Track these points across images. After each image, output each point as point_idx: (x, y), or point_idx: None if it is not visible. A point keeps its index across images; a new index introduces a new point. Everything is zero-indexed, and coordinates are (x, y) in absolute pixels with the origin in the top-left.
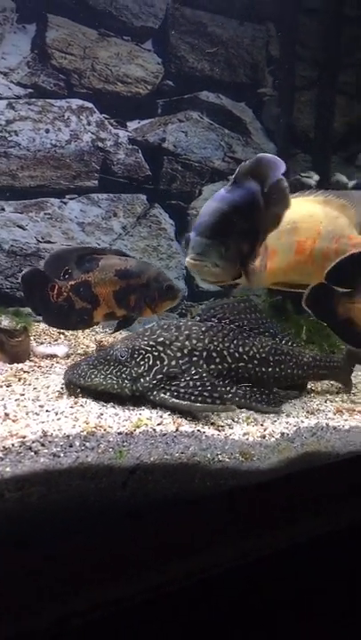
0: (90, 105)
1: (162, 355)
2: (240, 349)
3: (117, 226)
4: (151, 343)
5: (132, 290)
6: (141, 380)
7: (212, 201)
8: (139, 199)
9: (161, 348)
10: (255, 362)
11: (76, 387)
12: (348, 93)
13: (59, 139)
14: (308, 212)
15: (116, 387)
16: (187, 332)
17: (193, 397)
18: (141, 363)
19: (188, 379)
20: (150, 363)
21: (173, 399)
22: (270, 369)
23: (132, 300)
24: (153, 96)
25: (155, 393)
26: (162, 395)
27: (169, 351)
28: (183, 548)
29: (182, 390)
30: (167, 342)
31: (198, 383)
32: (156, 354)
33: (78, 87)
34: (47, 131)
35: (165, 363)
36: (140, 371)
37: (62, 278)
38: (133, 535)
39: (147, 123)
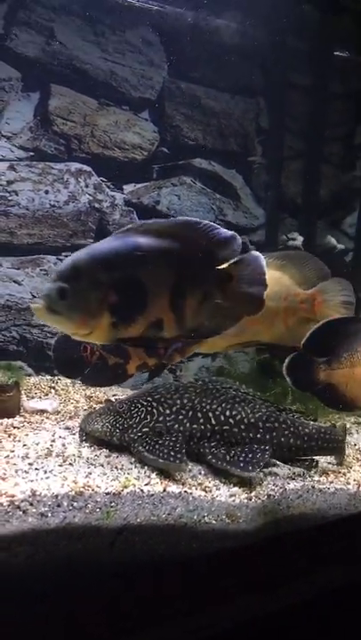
0: (88, 168)
1: (153, 410)
2: (227, 412)
3: None
4: (148, 399)
5: None
6: (130, 431)
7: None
8: None
9: (155, 404)
10: (242, 427)
11: (83, 432)
12: (333, 163)
13: (57, 199)
14: None
15: (107, 434)
16: (182, 392)
17: (161, 454)
18: (135, 415)
19: (167, 437)
20: (142, 416)
21: (145, 452)
22: (259, 435)
23: (161, 351)
24: (148, 161)
25: (136, 445)
26: (139, 448)
27: (160, 408)
28: (171, 609)
29: (157, 446)
30: (162, 399)
31: (171, 442)
32: (149, 409)
33: (78, 152)
34: (46, 192)
35: (154, 418)
36: (130, 422)
37: None
38: (119, 597)
39: (142, 186)
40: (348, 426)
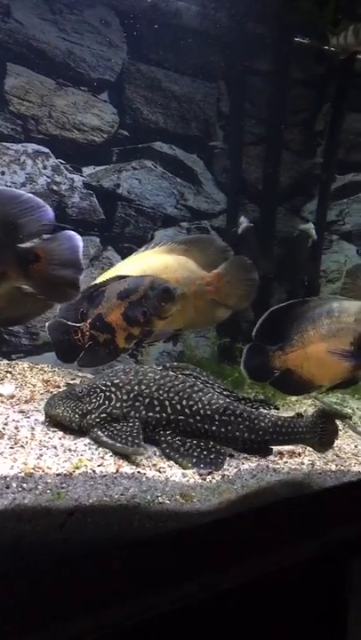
0: (46, 150)
1: (111, 395)
2: (183, 402)
3: None
4: (107, 383)
5: (134, 306)
6: (88, 416)
7: None
8: (92, 241)
9: (113, 389)
10: (197, 417)
11: (46, 415)
12: (294, 150)
13: (14, 181)
14: (163, 264)
15: (67, 419)
16: (140, 377)
17: (119, 439)
18: (93, 400)
19: (124, 423)
20: (100, 402)
21: (104, 437)
22: (214, 427)
23: (138, 316)
24: (108, 144)
25: (95, 430)
26: (98, 432)
27: (118, 393)
28: (121, 591)
29: (115, 432)
30: (120, 385)
31: (129, 427)
32: (107, 394)
33: (35, 132)
34: (2, 173)
35: (112, 404)
36: (89, 408)
37: (81, 321)
38: (68, 579)
39: (102, 169)
40: (307, 411)
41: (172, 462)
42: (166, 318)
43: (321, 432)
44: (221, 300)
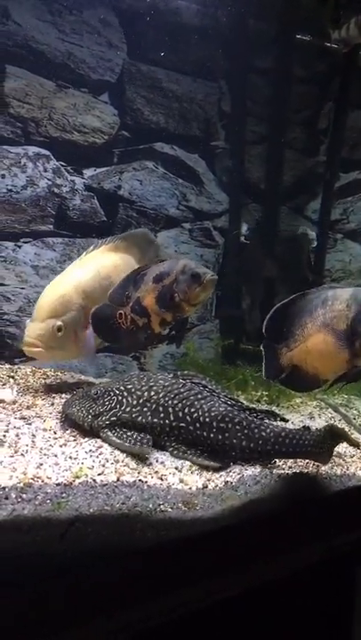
0: (46, 152)
1: (123, 400)
2: (185, 409)
3: None
4: (121, 388)
5: (166, 290)
6: (99, 418)
7: None
8: (93, 243)
9: (125, 394)
10: (197, 425)
11: (63, 413)
12: (296, 148)
13: (14, 184)
14: (112, 264)
15: (80, 419)
16: (151, 384)
17: (128, 439)
18: (106, 403)
19: (134, 432)
20: (112, 405)
21: (113, 437)
22: (212, 435)
23: (168, 300)
24: (109, 145)
25: (105, 430)
26: (108, 433)
27: (130, 398)
28: (122, 601)
29: (123, 434)
30: (132, 390)
31: (140, 435)
32: (120, 398)
33: (35, 135)
34: (3, 176)
35: (122, 408)
36: (101, 410)
37: (125, 304)
38: (68, 590)
39: (103, 171)
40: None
41: (174, 470)
42: (196, 306)
43: (328, 449)
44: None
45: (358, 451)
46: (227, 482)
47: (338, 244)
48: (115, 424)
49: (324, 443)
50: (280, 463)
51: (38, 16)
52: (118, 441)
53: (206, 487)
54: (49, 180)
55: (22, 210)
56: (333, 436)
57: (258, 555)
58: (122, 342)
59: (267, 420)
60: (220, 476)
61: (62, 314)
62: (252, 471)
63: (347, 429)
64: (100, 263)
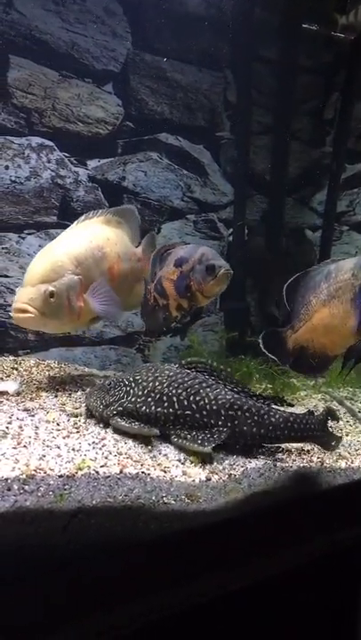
0: (50, 143)
1: (130, 390)
2: (190, 398)
3: None
4: (130, 379)
5: (183, 277)
6: (109, 407)
7: None
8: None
9: (133, 385)
10: (204, 412)
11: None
12: (302, 139)
13: (18, 175)
14: (105, 235)
15: (95, 409)
16: (157, 374)
17: (135, 424)
18: (116, 393)
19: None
20: (121, 395)
21: (122, 422)
22: (220, 422)
23: (183, 287)
24: (113, 136)
25: (115, 418)
26: (117, 419)
27: (136, 389)
28: (125, 593)
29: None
30: (140, 380)
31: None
32: (127, 389)
33: (39, 126)
34: (7, 167)
35: (128, 398)
36: (111, 400)
37: (152, 282)
38: (71, 582)
39: (107, 162)
40: (319, 409)
41: (177, 462)
42: (209, 298)
43: (331, 430)
44: (143, 277)
45: None
46: (230, 474)
47: (343, 236)
48: (121, 414)
49: (325, 424)
50: (284, 457)
51: (42, 5)
52: (127, 425)
53: (210, 480)
54: (52, 171)
55: (26, 201)
56: (333, 416)
57: (261, 548)
58: (147, 319)
59: (274, 406)
60: (224, 469)
61: (54, 279)
62: (255, 464)
63: (352, 422)
64: (92, 233)
